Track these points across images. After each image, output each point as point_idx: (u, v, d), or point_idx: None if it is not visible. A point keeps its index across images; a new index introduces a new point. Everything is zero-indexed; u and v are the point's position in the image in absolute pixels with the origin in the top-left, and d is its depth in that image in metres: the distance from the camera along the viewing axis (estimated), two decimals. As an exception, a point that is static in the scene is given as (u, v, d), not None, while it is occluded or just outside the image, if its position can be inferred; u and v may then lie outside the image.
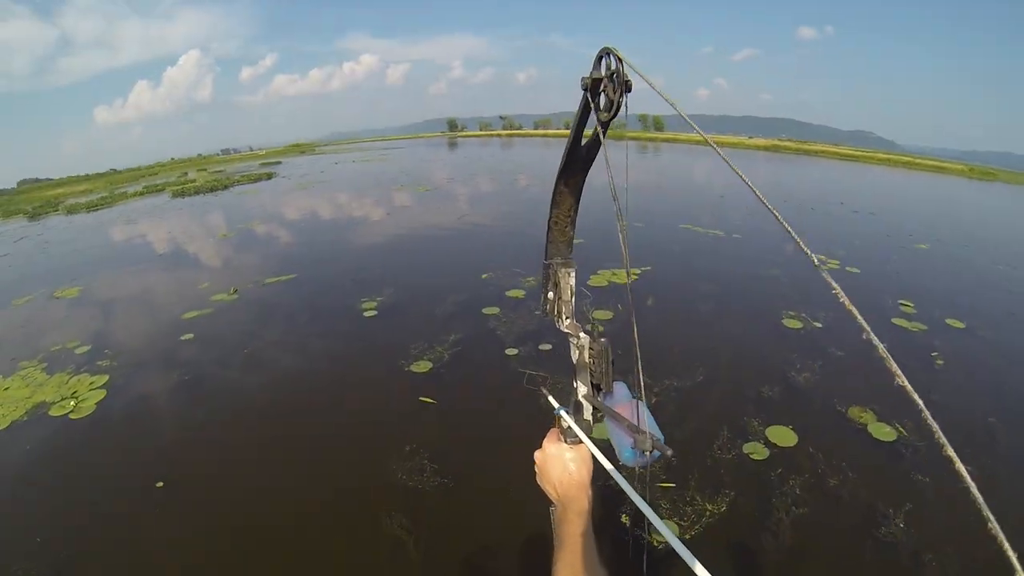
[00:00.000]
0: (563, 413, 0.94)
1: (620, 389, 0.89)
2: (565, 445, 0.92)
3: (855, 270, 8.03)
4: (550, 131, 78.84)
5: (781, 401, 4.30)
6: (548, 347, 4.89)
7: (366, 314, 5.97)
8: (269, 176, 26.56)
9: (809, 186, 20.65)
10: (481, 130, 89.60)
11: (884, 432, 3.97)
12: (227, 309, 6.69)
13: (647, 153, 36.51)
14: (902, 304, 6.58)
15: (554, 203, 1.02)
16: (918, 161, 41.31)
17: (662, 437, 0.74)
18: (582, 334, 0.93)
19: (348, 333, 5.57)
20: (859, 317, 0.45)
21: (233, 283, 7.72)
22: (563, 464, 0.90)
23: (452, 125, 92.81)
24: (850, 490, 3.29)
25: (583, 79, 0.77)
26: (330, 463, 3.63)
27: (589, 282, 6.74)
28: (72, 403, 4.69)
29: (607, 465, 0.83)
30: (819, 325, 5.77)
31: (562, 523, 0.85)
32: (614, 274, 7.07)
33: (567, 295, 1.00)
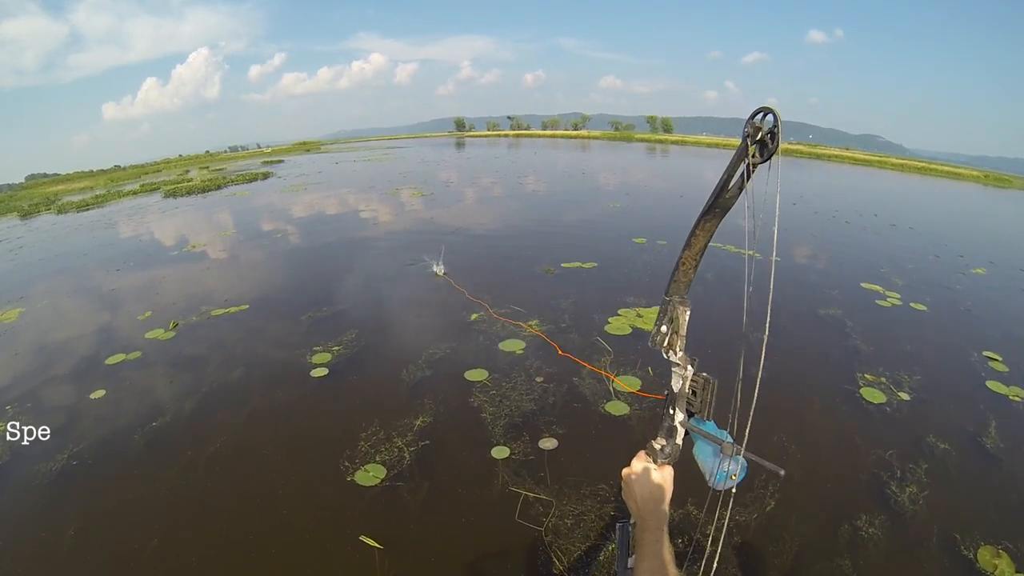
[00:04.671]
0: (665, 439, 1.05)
1: (711, 425, 1.01)
2: (652, 465, 1.03)
3: (921, 307, 6.65)
4: (558, 132, 77.75)
5: (887, 543, 2.91)
6: (553, 444, 3.51)
7: (315, 374, 4.58)
8: (265, 176, 25.37)
9: (834, 195, 19.13)
10: (489, 130, 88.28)
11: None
12: (156, 354, 5.39)
13: (655, 155, 35.16)
14: (989, 358, 5.22)
15: (687, 244, 1.06)
16: (932, 167, 41.03)
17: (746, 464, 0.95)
18: (690, 366, 1.03)
19: (284, 407, 4.17)
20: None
21: (179, 312, 6.48)
22: (648, 481, 1.01)
23: (459, 125, 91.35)
24: None
25: (747, 127, 0.83)
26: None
27: (606, 328, 5.35)
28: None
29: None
30: (906, 397, 4.39)
31: (643, 532, 0.96)
32: (639, 315, 5.67)
33: (683, 330, 1.05)
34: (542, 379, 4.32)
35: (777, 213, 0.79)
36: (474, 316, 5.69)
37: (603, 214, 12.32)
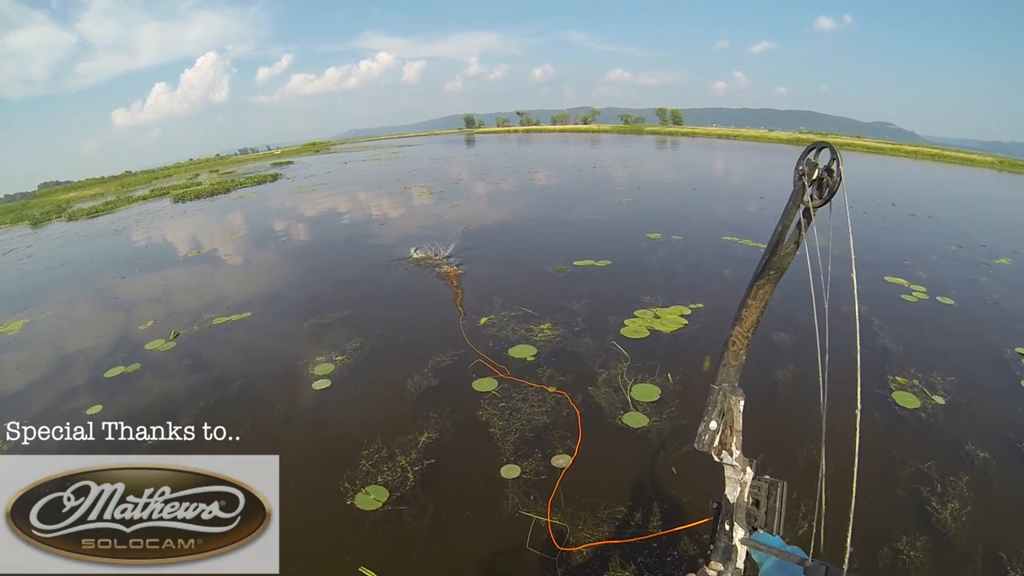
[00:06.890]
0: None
1: (778, 540, 0.84)
2: None
3: (948, 301, 6.33)
4: (568, 126, 77.18)
5: (929, 566, 2.69)
6: (566, 462, 3.29)
7: (316, 386, 4.41)
8: (274, 178, 25.38)
9: (848, 184, 18.39)
10: (499, 126, 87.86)
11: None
12: (155, 366, 5.26)
13: (666, 148, 34.69)
14: (1022, 355, 4.93)
15: (737, 318, 0.91)
16: (946, 153, 39.65)
17: None
18: (749, 468, 0.85)
19: (282, 421, 3.98)
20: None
21: (181, 320, 6.36)
22: None
23: (469, 121, 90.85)
24: None
25: (801, 166, 0.72)
26: None
27: (622, 331, 5.11)
28: None
29: None
30: (941, 401, 4.12)
31: None
32: (656, 316, 5.41)
33: (738, 424, 0.88)
34: (554, 389, 4.10)
35: (851, 247, 0.71)
36: (483, 320, 5.48)
37: (615, 209, 12.04)
